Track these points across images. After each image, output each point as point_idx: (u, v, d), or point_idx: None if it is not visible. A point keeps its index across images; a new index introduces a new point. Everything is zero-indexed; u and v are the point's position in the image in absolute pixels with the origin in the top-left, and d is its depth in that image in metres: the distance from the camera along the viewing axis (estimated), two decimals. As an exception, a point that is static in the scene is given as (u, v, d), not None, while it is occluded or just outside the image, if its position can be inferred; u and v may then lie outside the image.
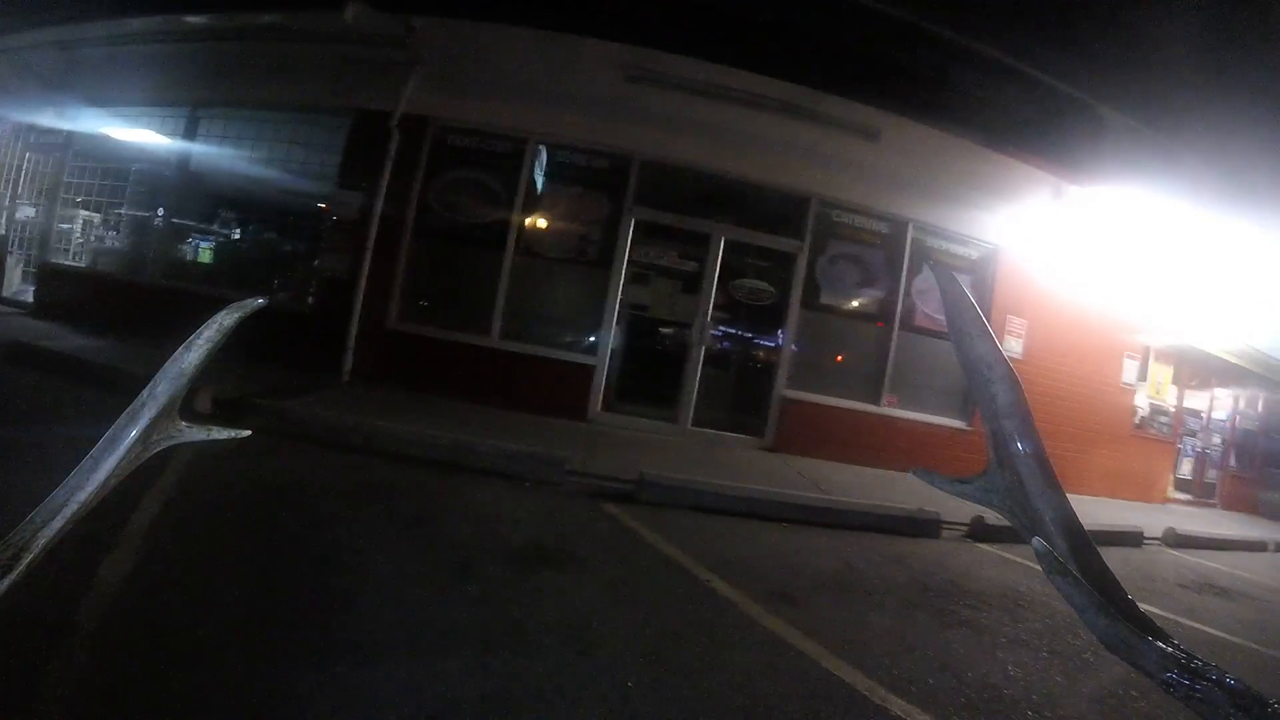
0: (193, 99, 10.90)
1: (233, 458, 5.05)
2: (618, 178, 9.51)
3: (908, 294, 10.56)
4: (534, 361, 9.23)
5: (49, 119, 12.38)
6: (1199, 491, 15.51)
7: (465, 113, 9.59)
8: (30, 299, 12.20)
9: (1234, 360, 14.31)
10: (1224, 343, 13.75)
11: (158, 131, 11.30)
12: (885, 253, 10.53)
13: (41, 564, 1.18)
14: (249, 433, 1.31)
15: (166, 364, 1.19)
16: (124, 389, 1.15)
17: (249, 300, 1.22)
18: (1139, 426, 13.18)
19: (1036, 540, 0.92)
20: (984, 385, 1.05)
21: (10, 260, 13.17)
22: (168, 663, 2.59)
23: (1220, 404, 16.61)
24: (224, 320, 1.19)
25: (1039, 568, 0.88)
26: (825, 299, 10.21)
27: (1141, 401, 13.35)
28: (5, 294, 12.89)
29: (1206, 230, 9.89)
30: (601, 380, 9.36)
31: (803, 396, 9.91)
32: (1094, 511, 9.44)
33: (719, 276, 9.63)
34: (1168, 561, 8.10)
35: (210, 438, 1.28)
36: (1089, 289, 11.46)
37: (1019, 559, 6.21)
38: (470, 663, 2.92)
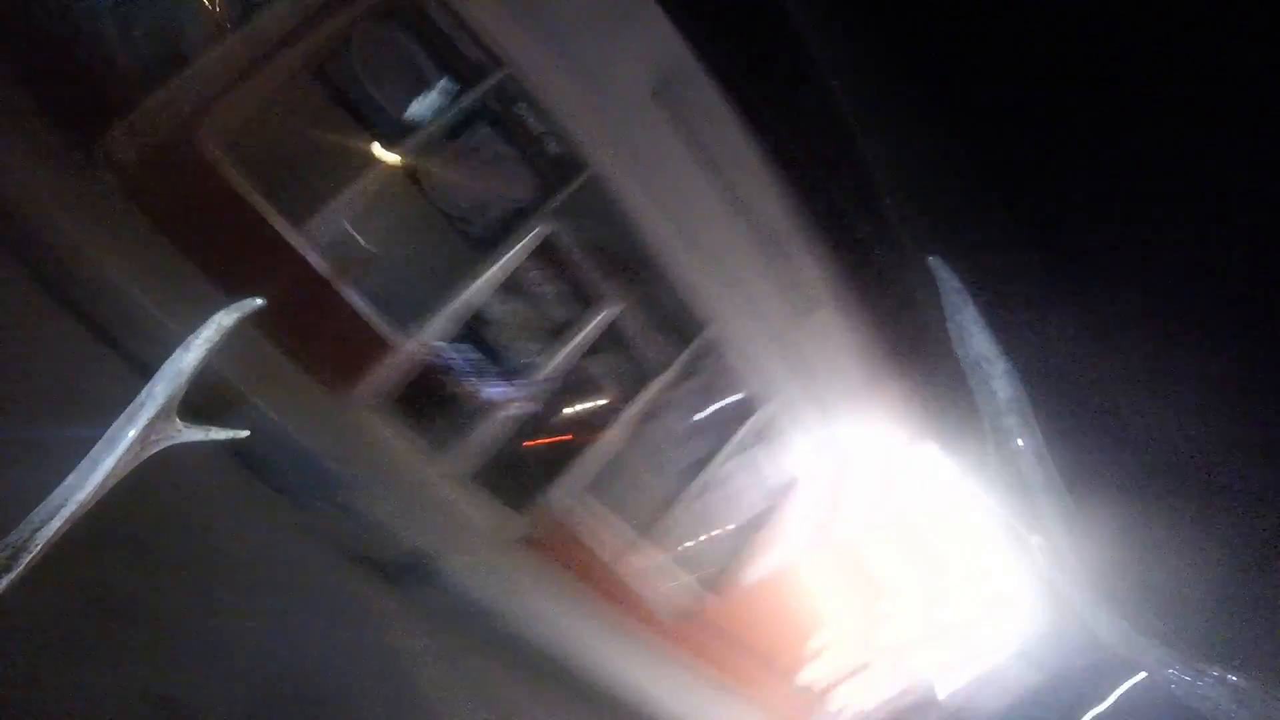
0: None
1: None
2: None
3: None
4: None
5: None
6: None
7: None
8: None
9: None
10: None
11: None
12: None
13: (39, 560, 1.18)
14: (246, 433, 1.31)
15: (164, 364, 1.19)
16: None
17: (247, 300, 1.22)
18: None
19: (1037, 537, 0.90)
20: (984, 381, 1.05)
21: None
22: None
23: None
24: (222, 321, 1.20)
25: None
26: None
27: None
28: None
29: None
30: None
31: None
32: None
33: None
34: None
35: (209, 438, 1.28)
36: None
37: None
38: None
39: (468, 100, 6.09)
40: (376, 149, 6.33)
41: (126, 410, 1.20)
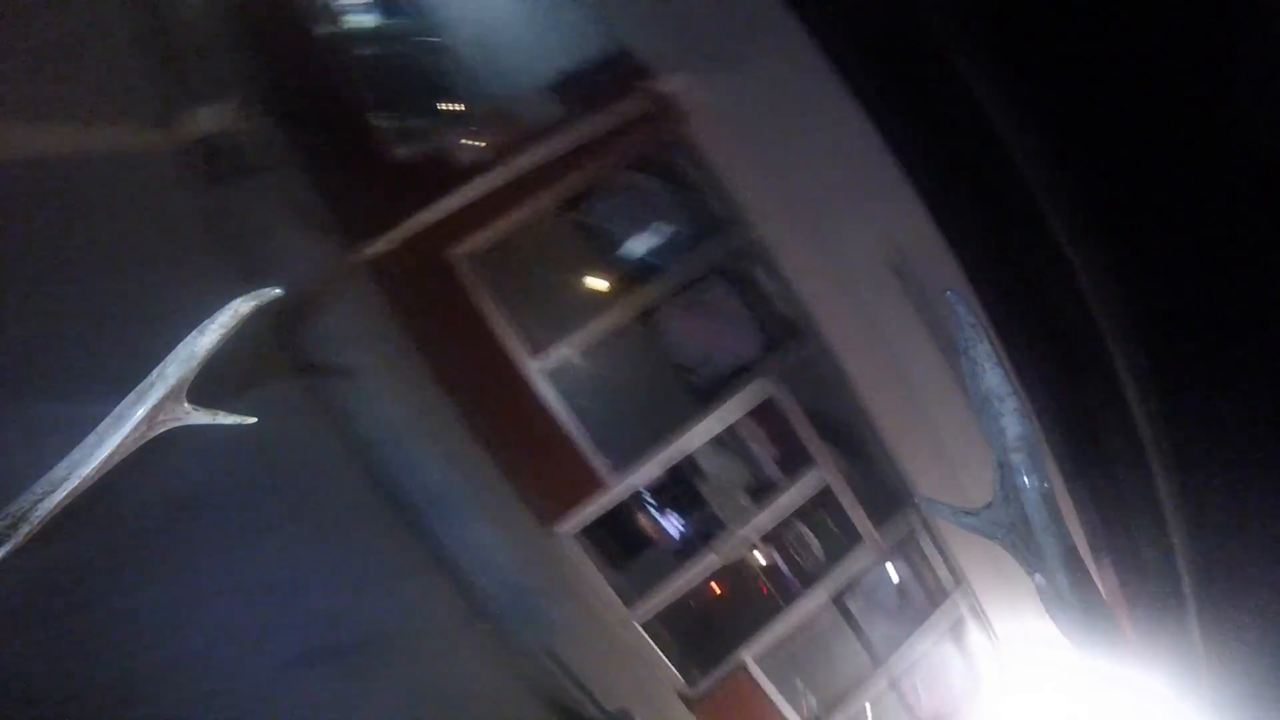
0: None
1: None
2: None
3: None
4: None
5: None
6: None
7: None
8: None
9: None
10: None
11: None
12: None
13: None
14: (254, 420, 1.31)
15: (178, 346, 1.20)
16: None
17: (265, 290, 1.22)
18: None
19: (1038, 577, 0.90)
20: (994, 418, 1.05)
21: None
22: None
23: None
24: (239, 307, 1.20)
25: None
26: None
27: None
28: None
29: None
30: None
31: None
32: None
33: None
34: None
35: (216, 422, 1.28)
36: None
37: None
38: None
39: (707, 253, 6.36)
40: (613, 289, 6.51)
41: (136, 389, 1.20)
